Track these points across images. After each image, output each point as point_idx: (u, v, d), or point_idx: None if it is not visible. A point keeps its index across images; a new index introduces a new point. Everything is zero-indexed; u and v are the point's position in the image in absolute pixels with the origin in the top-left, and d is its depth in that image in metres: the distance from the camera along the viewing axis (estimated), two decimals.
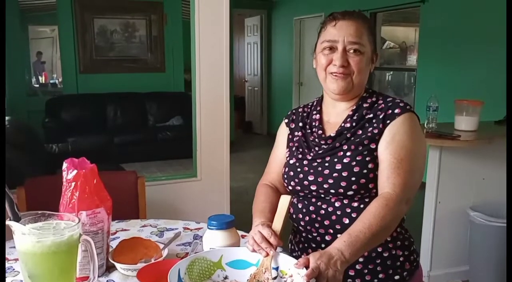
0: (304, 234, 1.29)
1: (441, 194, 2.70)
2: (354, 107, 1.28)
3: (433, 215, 2.71)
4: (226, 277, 1.09)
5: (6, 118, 3.60)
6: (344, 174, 1.19)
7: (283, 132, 1.41)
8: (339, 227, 1.20)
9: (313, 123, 1.33)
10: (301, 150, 1.31)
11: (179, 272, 1.02)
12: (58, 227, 1.01)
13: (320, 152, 1.26)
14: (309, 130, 1.33)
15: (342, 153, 1.22)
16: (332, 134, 1.26)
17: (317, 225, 1.24)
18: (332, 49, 1.24)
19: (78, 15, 5.64)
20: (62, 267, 1.00)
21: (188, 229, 1.55)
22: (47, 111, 5.47)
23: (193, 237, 1.47)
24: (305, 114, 1.38)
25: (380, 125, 1.21)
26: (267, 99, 8.27)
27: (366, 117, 1.25)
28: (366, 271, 1.22)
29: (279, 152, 1.40)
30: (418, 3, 4.84)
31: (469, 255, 2.72)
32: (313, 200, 1.25)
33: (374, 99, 1.28)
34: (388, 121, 1.21)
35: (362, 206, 1.19)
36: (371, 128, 1.23)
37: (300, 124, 1.36)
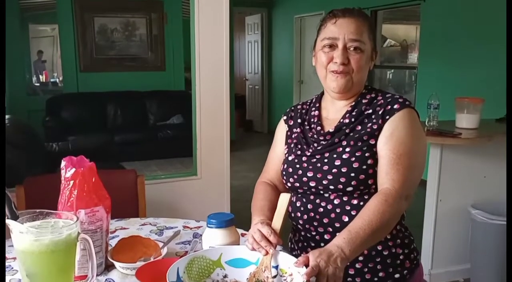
0: (303, 233, 1.28)
1: (442, 192, 2.69)
2: (353, 103, 1.28)
3: (434, 213, 2.71)
4: (225, 276, 1.08)
5: (7, 117, 3.60)
6: (344, 169, 1.18)
7: (281, 130, 1.41)
8: (338, 225, 1.20)
9: (312, 120, 1.33)
10: (300, 146, 1.31)
11: (178, 271, 1.01)
12: (56, 226, 1.01)
13: (319, 148, 1.26)
14: (307, 127, 1.33)
15: (341, 149, 1.21)
16: (331, 130, 1.26)
17: (315, 224, 1.23)
18: (332, 46, 1.23)
19: (78, 14, 5.64)
20: (60, 265, 0.99)
21: (187, 227, 1.55)
22: (48, 110, 5.47)
23: (193, 236, 1.47)
24: (304, 111, 1.37)
25: (379, 121, 1.21)
26: (267, 98, 8.27)
27: (365, 113, 1.24)
28: (366, 269, 1.21)
29: (278, 149, 1.40)
30: (419, 1, 4.83)
31: (470, 253, 2.72)
32: (312, 197, 1.25)
33: (373, 95, 1.28)
34: (387, 117, 1.20)
35: (361, 203, 1.18)
36: (370, 124, 1.22)
37: (299, 121, 1.36)
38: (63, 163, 1.16)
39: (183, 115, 5.80)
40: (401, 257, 1.24)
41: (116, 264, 1.21)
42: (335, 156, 1.21)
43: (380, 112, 1.22)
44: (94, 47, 5.80)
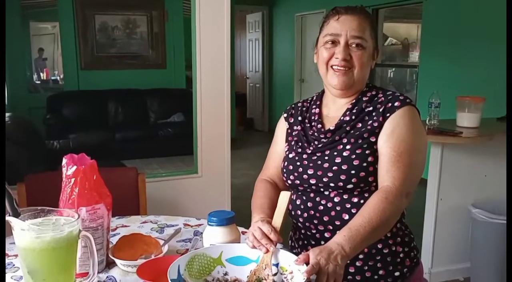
0: (303, 231, 1.28)
1: (443, 191, 2.69)
2: (354, 101, 1.28)
3: (434, 211, 2.71)
4: (226, 274, 1.09)
5: (8, 114, 3.60)
6: (344, 167, 1.18)
7: (282, 127, 1.41)
8: (338, 223, 1.20)
9: (313, 117, 1.33)
10: (300, 144, 1.31)
11: (179, 268, 1.02)
12: (57, 223, 1.01)
13: (320, 145, 1.26)
14: (308, 125, 1.33)
15: (341, 146, 1.21)
16: (332, 128, 1.26)
17: (316, 222, 1.24)
18: (334, 43, 1.24)
19: (79, 12, 5.63)
20: (61, 263, 0.99)
21: (188, 225, 1.55)
22: (48, 108, 5.47)
23: (194, 233, 1.47)
24: (304, 108, 1.38)
25: (380, 119, 1.21)
26: (268, 96, 8.26)
27: (366, 110, 1.25)
28: (366, 267, 1.22)
29: (278, 147, 1.40)
30: (421, 0, 4.82)
31: (470, 252, 2.72)
32: (312, 195, 1.25)
33: (374, 92, 1.28)
34: (388, 115, 1.21)
35: (362, 201, 1.18)
36: (370, 122, 1.22)
37: (299, 118, 1.36)
38: (64, 161, 1.17)
39: (183, 113, 5.79)
40: (401, 255, 1.25)
41: (117, 261, 1.21)
42: (335, 153, 1.21)
43: (380, 110, 1.22)
44: (95, 45, 5.80)
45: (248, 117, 8.72)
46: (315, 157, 1.25)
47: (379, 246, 1.21)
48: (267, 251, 1.06)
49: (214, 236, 1.15)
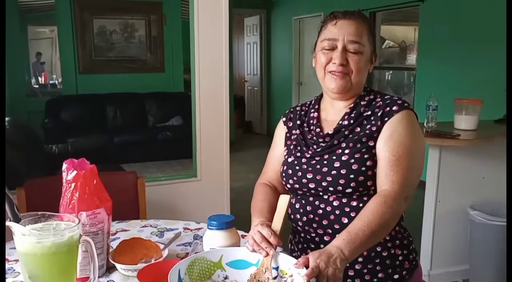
0: (302, 235, 1.29)
1: (441, 193, 2.70)
2: (352, 105, 1.28)
3: (433, 214, 2.71)
4: (226, 277, 1.09)
5: (6, 119, 3.60)
6: (343, 171, 1.19)
7: (280, 131, 1.41)
8: (337, 227, 1.20)
9: (311, 121, 1.34)
10: (299, 148, 1.31)
11: (180, 273, 1.02)
12: (58, 228, 1.01)
13: (318, 149, 1.26)
14: (307, 129, 1.34)
15: (340, 151, 1.22)
16: (330, 132, 1.27)
17: (315, 225, 1.24)
18: (332, 47, 1.25)
19: (77, 16, 5.64)
20: (62, 267, 1.00)
21: (188, 229, 1.55)
22: (47, 112, 5.47)
23: (193, 237, 1.47)
24: (303, 112, 1.38)
25: (378, 123, 1.22)
26: (266, 99, 8.27)
27: (364, 114, 1.25)
28: (365, 270, 1.22)
29: (277, 151, 1.40)
30: (418, 2, 4.84)
31: (469, 254, 2.72)
32: (311, 199, 1.26)
33: (372, 97, 1.29)
34: (386, 119, 1.21)
35: (361, 205, 1.19)
36: (369, 126, 1.23)
37: (298, 122, 1.36)
38: (64, 166, 1.17)
39: (182, 117, 5.80)
40: (400, 258, 1.25)
41: (118, 265, 1.21)
42: (334, 157, 1.22)
43: (379, 114, 1.23)
44: (93, 49, 5.81)
45: (247, 120, 8.73)
46: (314, 161, 1.25)
47: (378, 249, 1.22)
48: (267, 254, 1.06)
49: (214, 240, 1.16)
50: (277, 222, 1.13)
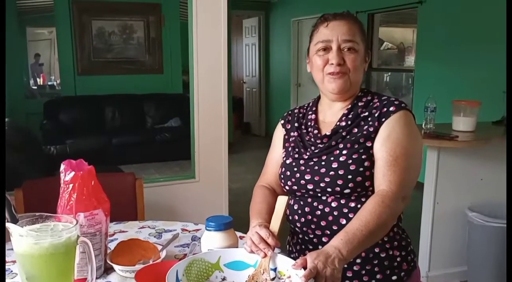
0: (301, 236, 1.29)
1: (439, 195, 2.70)
2: (349, 106, 1.29)
3: (431, 215, 2.71)
4: (224, 279, 1.09)
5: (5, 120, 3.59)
6: (341, 172, 1.19)
7: (279, 133, 1.42)
8: (335, 228, 1.20)
9: (309, 123, 1.34)
10: (297, 149, 1.32)
11: (177, 274, 1.02)
12: (56, 229, 1.01)
13: (316, 151, 1.27)
14: (304, 130, 1.34)
15: (338, 152, 1.22)
16: (328, 133, 1.27)
17: (313, 226, 1.24)
18: (326, 49, 1.25)
19: (76, 17, 5.64)
20: (60, 268, 1.00)
21: (186, 230, 1.55)
22: (45, 113, 5.46)
23: (191, 239, 1.48)
24: (301, 115, 1.39)
25: (376, 123, 1.22)
26: (265, 101, 8.28)
27: (362, 115, 1.26)
28: (363, 272, 1.22)
29: (276, 153, 1.41)
30: (416, 4, 4.85)
31: (467, 256, 2.72)
32: (309, 200, 1.26)
33: (369, 98, 1.29)
34: (383, 119, 1.22)
35: (359, 206, 1.19)
36: (366, 127, 1.23)
37: (296, 124, 1.37)
38: (62, 166, 1.17)
39: (180, 118, 5.80)
40: (398, 259, 1.25)
41: (115, 267, 1.21)
42: (332, 158, 1.22)
43: (376, 115, 1.23)
44: (91, 50, 5.80)
45: (245, 122, 8.74)
46: (312, 162, 1.25)
47: (376, 250, 1.22)
48: (265, 255, 1.06)
49: (212, 241, 1.16)
50: (275, 223, 1.13)
